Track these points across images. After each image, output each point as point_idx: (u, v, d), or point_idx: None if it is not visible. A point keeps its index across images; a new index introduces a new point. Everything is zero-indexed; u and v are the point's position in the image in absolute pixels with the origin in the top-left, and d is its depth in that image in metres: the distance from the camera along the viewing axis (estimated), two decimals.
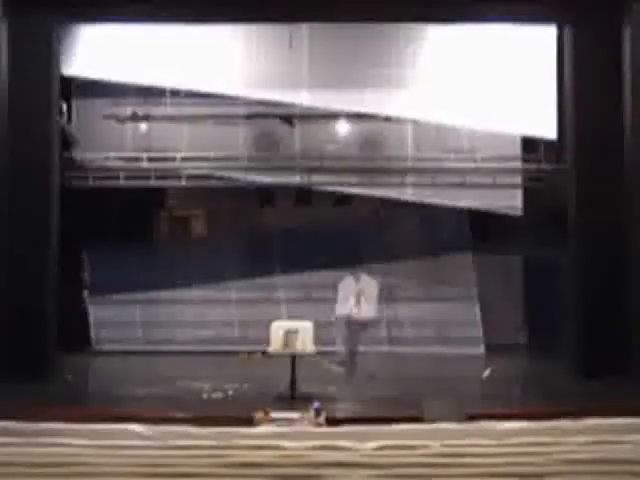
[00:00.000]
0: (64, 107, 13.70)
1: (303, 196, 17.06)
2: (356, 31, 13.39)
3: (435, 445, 5.65)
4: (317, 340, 10.73)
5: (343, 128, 15.14)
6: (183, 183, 14.67)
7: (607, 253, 11.08)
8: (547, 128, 13.38)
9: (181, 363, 13.26)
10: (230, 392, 10.45)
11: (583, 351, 11.34)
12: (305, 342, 10.32)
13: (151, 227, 17.29)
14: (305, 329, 10.43)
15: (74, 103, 14.46)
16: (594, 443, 5.66)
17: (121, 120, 14.82)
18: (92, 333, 15.09)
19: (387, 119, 14.56)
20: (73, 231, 13.12)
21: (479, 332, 14.87)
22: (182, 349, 14.47)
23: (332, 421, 7.68)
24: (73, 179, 13.81)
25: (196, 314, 15.17)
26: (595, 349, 11.03)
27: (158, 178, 14.49)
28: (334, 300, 12.62)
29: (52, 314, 11.78)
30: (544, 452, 5.48)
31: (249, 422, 7.43)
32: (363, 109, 14.28)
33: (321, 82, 13.85)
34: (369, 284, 12.63)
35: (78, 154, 14.46)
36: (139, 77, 14.03)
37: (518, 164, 14.47)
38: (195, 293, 15.37)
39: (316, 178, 14.59)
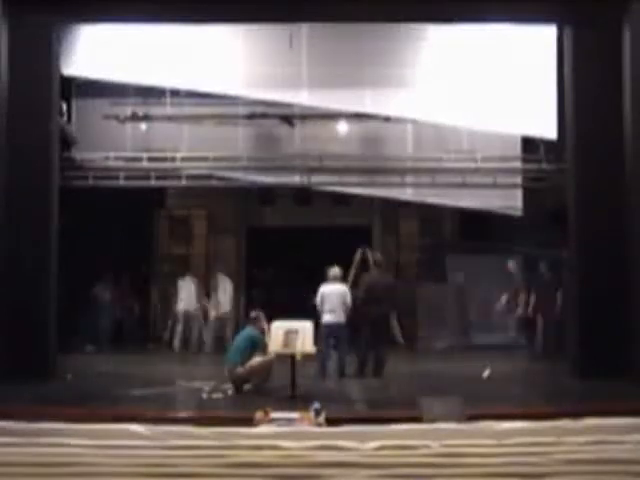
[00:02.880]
0: (64, 107, 13.71)
1: (303, 196, 17.05)
2: (356, 31, 13.38)
3: (435, 445, 5.64)
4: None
5: (343, 128, 15.15)
6: (183, 183, 14.68)
7: (607, 253, 11.04)
8: (547, 128, 13.37)
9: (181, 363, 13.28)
10: (230, 392, 10.43)
11: (583, 351, 11.32)
12: (305, 342, 10.30)
13: (151, 227, 17.32)
14: (305, 329, 10.41)
15: (74, 103, 14.49)
16: (594, 443, 5.66)
17: (121, 120, 14.85)
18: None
19: (387, 119, 14.57)
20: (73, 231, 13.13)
21: None
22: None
23: (332, 421, 7.66)
24: (73, 179, 13.82)
25: None
26: (595, 349, 11.01)
27: (158, 178, 14.50)
28: None
29: (52, 314, 11.75)
30: (544, 452, 5.47)
31: (249, 422, 7.41)
32: (363, 109, 14.27)
33: (321, 82, 13.82)
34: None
35: (78, 154, 14.48)
36: (139, 77, 14.02)
37: (518, 164, 14.48)
38: None
39: (316, 178, 14.60)
